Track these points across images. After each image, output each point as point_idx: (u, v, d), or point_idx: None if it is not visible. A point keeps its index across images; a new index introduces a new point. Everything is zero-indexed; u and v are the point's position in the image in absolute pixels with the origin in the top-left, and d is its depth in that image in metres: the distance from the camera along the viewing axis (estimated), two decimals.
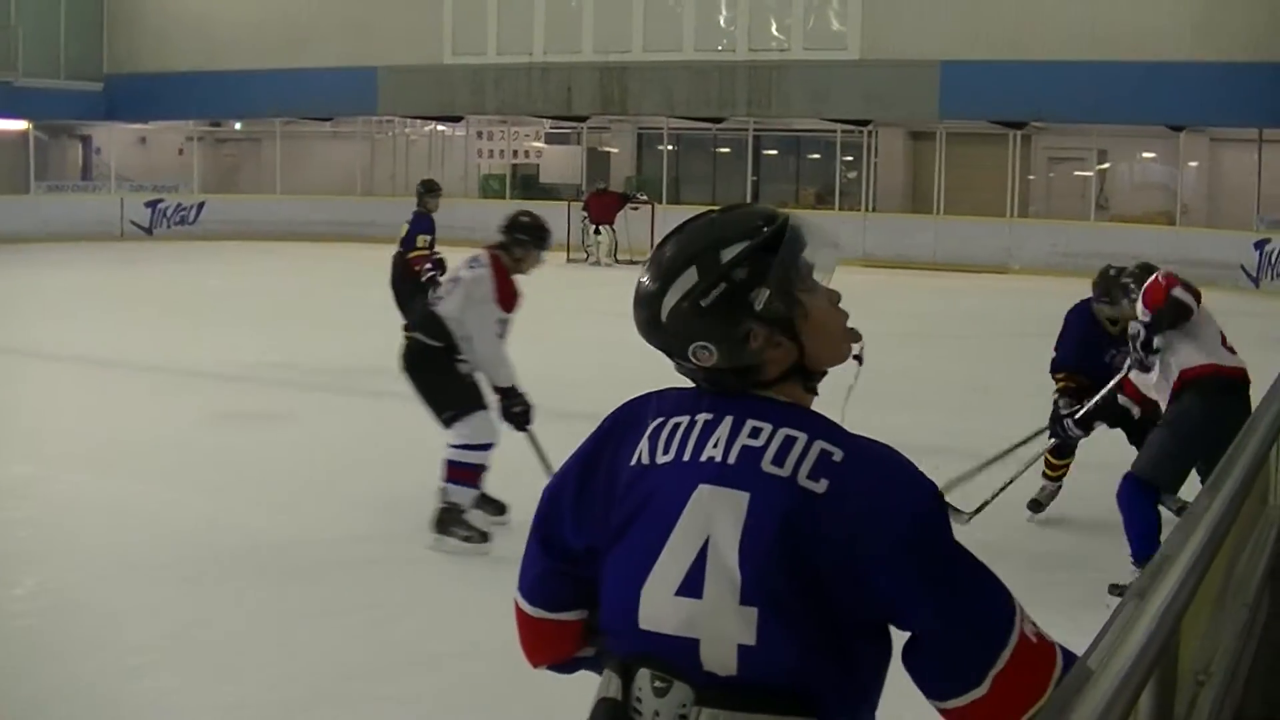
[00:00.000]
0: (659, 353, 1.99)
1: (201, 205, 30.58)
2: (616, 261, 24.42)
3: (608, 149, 31.35)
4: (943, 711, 1.78)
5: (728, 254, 1.88)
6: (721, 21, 26.85)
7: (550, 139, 30.67)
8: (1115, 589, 5.73)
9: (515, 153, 30.24)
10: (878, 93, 25.52)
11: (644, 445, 1.88)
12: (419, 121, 31.76)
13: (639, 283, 1.97)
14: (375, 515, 7.19)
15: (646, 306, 1.94)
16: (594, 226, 25.08)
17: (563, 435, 6.55)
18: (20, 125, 30.92)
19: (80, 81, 32.14)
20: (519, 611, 2.01)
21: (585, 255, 24.86)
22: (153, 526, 7.02)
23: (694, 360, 1.91)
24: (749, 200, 27.44)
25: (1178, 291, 5.94)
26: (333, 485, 7.89)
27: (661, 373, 2.09)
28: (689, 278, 1.90)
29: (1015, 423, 7.75)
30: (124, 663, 5.14)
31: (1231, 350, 6.02)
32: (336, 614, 5.67)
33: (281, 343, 13.75)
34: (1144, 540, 5.78)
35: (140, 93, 31.60)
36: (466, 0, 28.44)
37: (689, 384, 1.98)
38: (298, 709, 4.72)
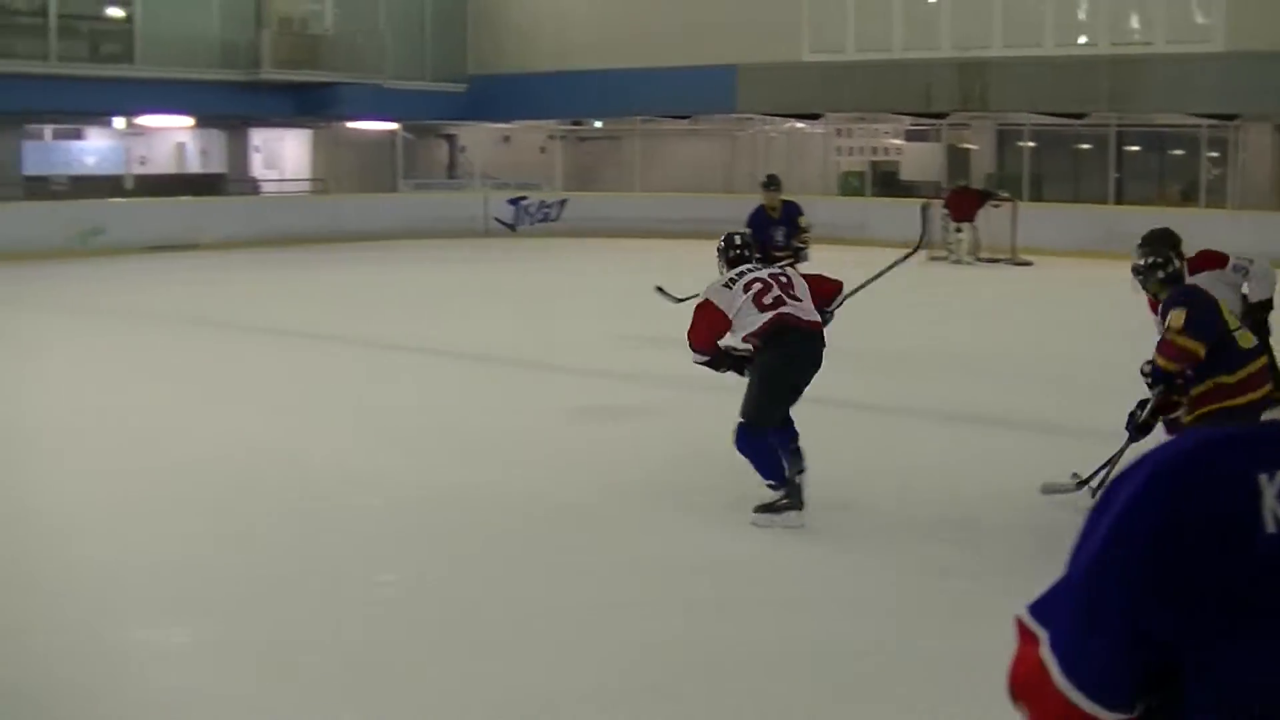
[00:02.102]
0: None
1: (564, 202, 37.55)
2: (978, 260, 28.56)
3: (967, 146, 36.81)
4: None
5: None
6: (1082, 15, 31.75)
7: (910, 136, 36.72)
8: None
9: (874, 150, 35.88)
10: (1244, 85, 29.54)
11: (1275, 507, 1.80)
12: (777, 119, 37.91)
13: None
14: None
15: None
16: (955, 225, 28.73)
17: (929, 433, 11.51)
18: (389, 126, 38.88)
19: (445, 83, 40.10)
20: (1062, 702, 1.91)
21: (946, 254, 28.86)
22: (532, 517, 8.96)
23: None
24: (1111, 199, 31.68)
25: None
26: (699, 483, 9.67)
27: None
28: None
29: None
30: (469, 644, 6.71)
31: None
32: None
33: (642, 336, 16.73)
34: (766, 467, 8.59)
35: (503, 93, 39.19)
36: None
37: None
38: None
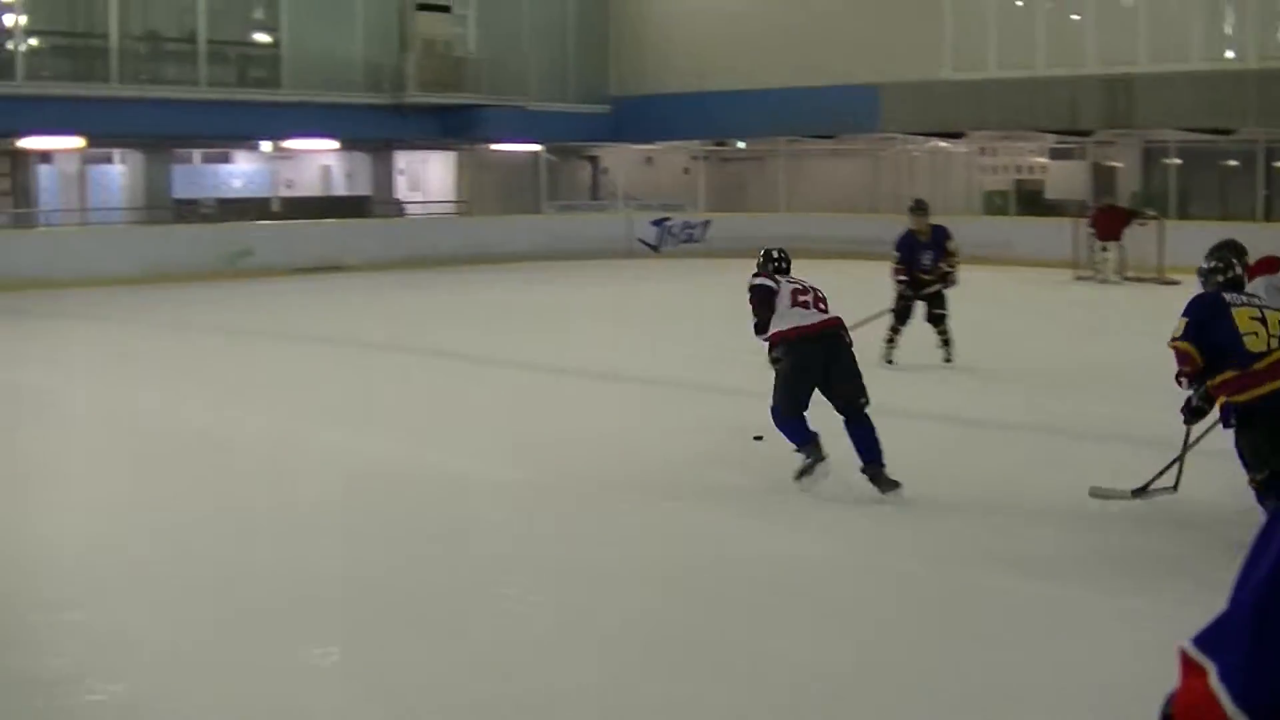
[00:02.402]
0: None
1: (707, 223, 38.53)
2: (1124, 279, 28.91)
3: (1113, 163, 37.11)
4: None
5: None
6: (1229, 28, 32.27)
7: (1054, 154, 37.20)
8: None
9: (1018, 168, 36.22)
10: None
11: None
12: (920, 138, 38.51)
13: None
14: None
15: None
16: (1100, 243, 29.19)
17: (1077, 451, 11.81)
18: (532, 147, 39.76)
19: (588, 104, 41.32)
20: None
21: (1092, 273, 29.33)
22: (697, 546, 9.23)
23: None
24: (1259, 216, 31.80)
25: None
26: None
27: None
28: None
29: None
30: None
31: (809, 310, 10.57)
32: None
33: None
34: (796, 437, 10.34)
35: (646, 114, 40.30)
36: (966, 16, 35.10)
37: None
38: None
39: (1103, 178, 36.27)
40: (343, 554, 8.92)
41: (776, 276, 10.84)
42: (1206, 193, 35.56)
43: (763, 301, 10.61)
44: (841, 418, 10.32)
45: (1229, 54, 31.92)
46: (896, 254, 17.25)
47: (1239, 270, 9.40)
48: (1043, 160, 36.96)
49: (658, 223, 38.43)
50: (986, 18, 34.43)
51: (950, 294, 17.09)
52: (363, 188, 39.32)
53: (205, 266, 30.58)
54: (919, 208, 17.60)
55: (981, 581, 8.33)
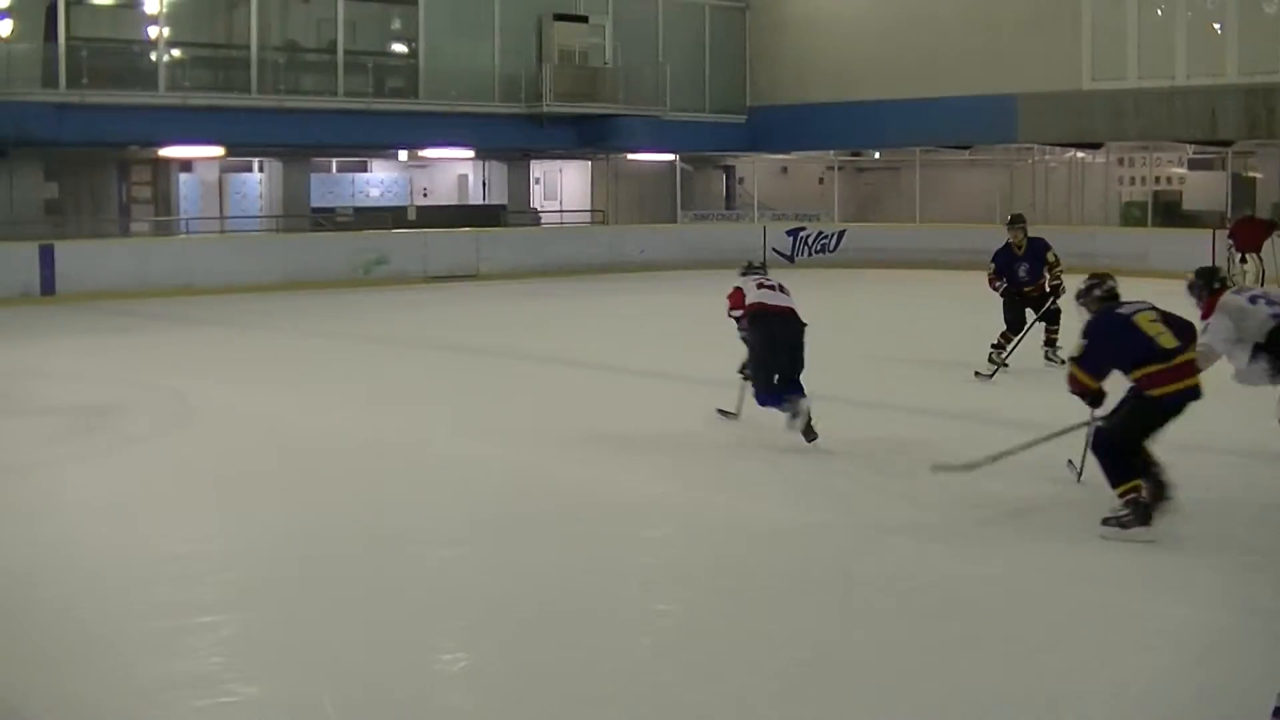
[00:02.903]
0: None
1: (842, 233, 38.62)
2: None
3: (1253, 174, 36.79)
4: None
5: None
6: None
7: (1193, 165, 36.89)
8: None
9: (1157, 179, 35.76)
10: None
11: None
12: (1058, 149, 38.41)
13: None
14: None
15: None
16: (1240, 255, 29.03)
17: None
18: (668, 157, 39.88)
19: (724, 114, 41.20)
20: None
21: (1231, 284, 28.75)
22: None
23: None
24: None
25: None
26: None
27: None
28: None
29: None
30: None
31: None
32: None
33: (938, 362, 18.39)
34: (776, 402, 12.42)
35: (781, 124, 40.24)
36: (1106, 25, 34.59)
37: None
38: None
39: (1242, 188, 35.78)
40: (477, 566, 9.01)
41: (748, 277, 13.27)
42: None
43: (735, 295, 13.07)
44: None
45: None
46: (992, 265, 17.74)
47: (1111, 282, 10.22)
48: (1181, 171, 36.56)
49: (792, 233, 38.53)
50: (1126, 27, 33.95)
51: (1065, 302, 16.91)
52: (498, 197, 39.71)
53: (341, 274, 31.18)
54: (1014, 221, 17.96)
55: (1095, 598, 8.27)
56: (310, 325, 24.37)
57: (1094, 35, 34.54)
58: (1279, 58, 31.81)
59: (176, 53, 32.37)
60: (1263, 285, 27.63)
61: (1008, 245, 17.61)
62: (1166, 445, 9.58)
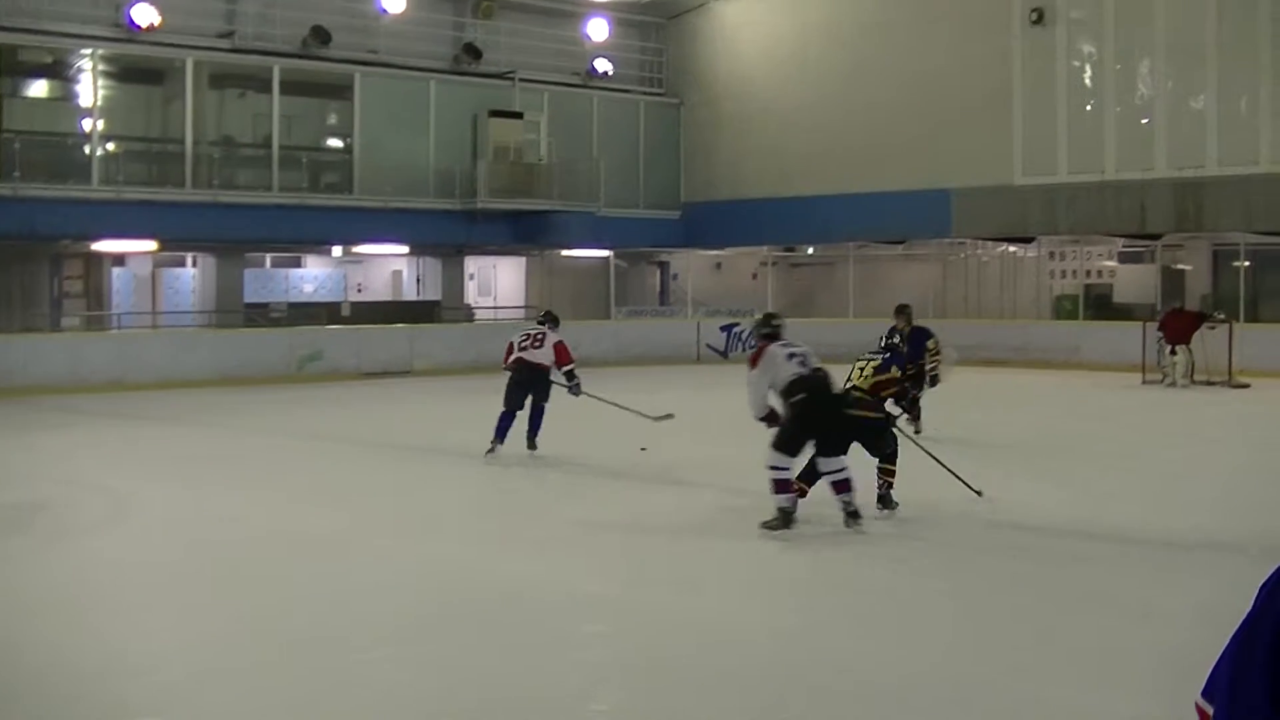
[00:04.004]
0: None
1: None
2: (1193, 382, 28.95)
3: (1182, 266, 37.21)
4: None
5: None
6: None
7: (1123, 258, 37.22)
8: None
9: (1088, 272, 35.91)
10: None
11: None
12: (991, 243, 38.75)
13: None
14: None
15: None
16: (1170, 347, 29.40)
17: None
18: (603, 253, 39.85)
19: (658, 210, 41.65)
20: None
21: (1161, 376, 29.34)
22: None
23: None
24: None
25: None
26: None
27: None
28: None
29: None
30: None
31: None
32: None
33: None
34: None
35: (715, 220, 40.70)
36: (1037, 121, 35.08)
37: None
38: None
39: (1172, 281, 36.31)
40: (408, 665, 8.71)
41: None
42: (1276, 294, 35.56)
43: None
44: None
45: None
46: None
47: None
48: (1112, 264, 36.86)
49: (726, 328, 38.45)
50: (1057, 122, 34.46)
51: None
52: (433, 293, 39.74)
53: (276, 370, 30.98)
54: (899, 310, 20.49)
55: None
56: (244, 422, 24.15)
57: (1025, 130, 35.01)
58: (1207, 152, 32.28)
59: (111, 146, 32.48)
60: (1192, 378, 28.58)
61: (892, 329, 19.11)
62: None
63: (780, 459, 12.51)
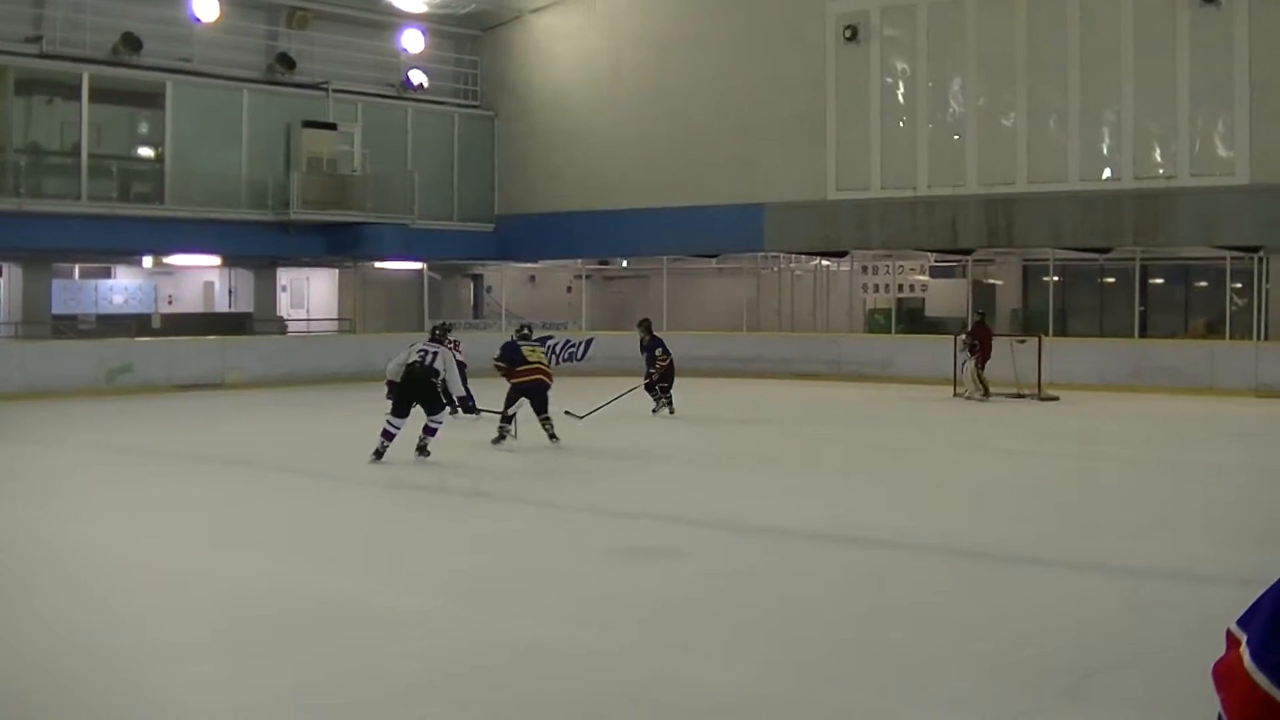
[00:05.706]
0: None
1: (589, 342, 38.75)
2: (1000, 395, 29.34)
3: (993, 281, 37.35)
4: None
5: None
6: (1105, 150, 32.66)
7: (935, 272, 37.52)
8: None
9: (900, 287, 36.20)
10: (1268, 217, 30.63)
11: None
12: (804, 257, 38.94)
13: None
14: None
15: None
16: (972, 359, 29.79)
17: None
18: (416, 266, 39.40)
19: (472, 223, 41.59)
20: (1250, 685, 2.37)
21: (969, 389, 29.85)
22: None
23: None
24: (1137, 333, 32.38)
25: None
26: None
27: None
28: None
29: None
30: None
31: None
32: None
33: (675, 483, 17.94)
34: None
35: (529, 233, 40.72)
36: (850, 137, 35.63)
37: None
38: None
39: (983, 295, 36.94)
40: (230, 678, 8.48)
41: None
42: (1085, 309, 36.49)
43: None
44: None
45: (1106, 174, 32.26)
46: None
47: (526, 330, 23.12)
48: (924, 279, 37.17)
49: (540, 340, 37.86)
50: (870, 139, 34.94)
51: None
52: (245, 304, 39.17)
53: (85, 383, 30.14)
54: (640, 324, 27.41)
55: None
56: (53, 434, 23.43)
57: (839, 146, 35.43)
58: (1016, 168, 33.00)
59: None
60: (987, 391, 29.08)
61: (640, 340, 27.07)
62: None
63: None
